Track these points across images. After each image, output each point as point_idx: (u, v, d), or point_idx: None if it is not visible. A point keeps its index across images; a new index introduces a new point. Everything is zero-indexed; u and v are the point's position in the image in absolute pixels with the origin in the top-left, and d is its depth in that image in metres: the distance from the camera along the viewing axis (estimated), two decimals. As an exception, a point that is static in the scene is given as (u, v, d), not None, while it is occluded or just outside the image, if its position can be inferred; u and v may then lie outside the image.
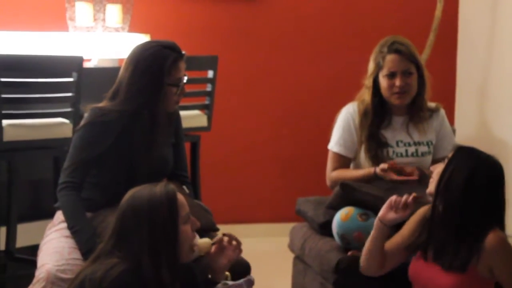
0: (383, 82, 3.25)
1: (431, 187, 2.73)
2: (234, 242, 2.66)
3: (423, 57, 5.01)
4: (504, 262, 2.63)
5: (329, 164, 3.39)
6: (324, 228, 3.32)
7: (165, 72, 2.88)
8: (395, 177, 3.14)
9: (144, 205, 2.40)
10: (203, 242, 2.61)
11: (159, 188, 2.43)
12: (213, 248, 2.63)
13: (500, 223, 2.71)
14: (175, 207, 2.41)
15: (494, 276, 2.65)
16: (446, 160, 2.74)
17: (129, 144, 2.91)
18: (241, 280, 2.58)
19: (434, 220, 2.70)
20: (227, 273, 2.65)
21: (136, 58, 2.92)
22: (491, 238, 2.62)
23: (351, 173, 3.31)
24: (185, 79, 2.97)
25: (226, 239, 2.65)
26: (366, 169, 3.25)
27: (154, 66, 2.88)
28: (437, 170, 2.74)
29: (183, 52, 2.96)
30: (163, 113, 2.94)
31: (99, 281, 2.30)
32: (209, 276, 2.62)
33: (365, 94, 3.31)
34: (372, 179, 3.22)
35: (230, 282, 2.58)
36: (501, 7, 5.39)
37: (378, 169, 3.18)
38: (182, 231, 2.42)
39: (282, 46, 5.57)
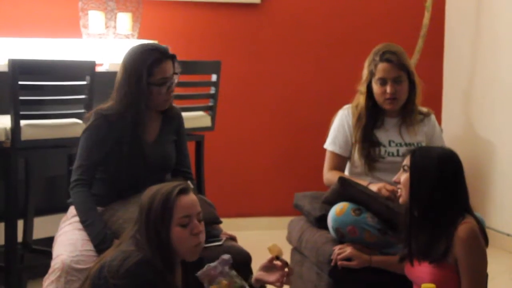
0: (376, 88, 3.26)
1: (404, 196, 2.71)
2: (286, 269, 2.54)
3: (412, 62, 4.99)
4: (467, 254, 2.58)
5: (326, 162, 3.40)
6: (320, 222, 3.30)
7: (145, 72, 2.84)
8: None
9: (145, 203, 2.39)
10: (277, 248, 2.55)
11: (166, 188, 2.39)
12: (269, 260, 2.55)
13: (467, 208, 2.69)
14: (169, 209, 2.35)
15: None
16: (405, 167, 2.71)
17: (131, 142, 2.90)
18: (215, 262, 2.45)
19: (412, 225, 2.68)
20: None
21: (124, 61, 2.91)
22: (461, 229, 2.59)
23: None
24: (175, 78, 2.92)
25: (280, 263, 2.54)
26: (362, 180, 3.23)
27: (136, 67, 2.85)
28: (402, 180, 2.71)
29: (172, 53, 2.92)
30: (148, 112, 2.92)
31: (116, 268, 2.30)
32: (252, 280, 2.56)
33: (360, 99, 3.31)
34: None
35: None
36: (484, 16, 5.40)
37: (375, 188, 3.15)
38: (175, 232, 2.36)
39: (282, 51, 5.57)
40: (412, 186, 2.67)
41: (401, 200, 2.74)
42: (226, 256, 2.47)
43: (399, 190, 2.75)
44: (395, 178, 2.78)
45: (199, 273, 2.43)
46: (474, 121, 5.49)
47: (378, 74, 3.23)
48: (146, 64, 2.84)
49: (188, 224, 2.37)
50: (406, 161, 2.73)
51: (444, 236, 2.62)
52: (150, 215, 2.36)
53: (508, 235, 5.02)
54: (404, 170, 2.73)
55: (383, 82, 3.23)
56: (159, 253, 2.34)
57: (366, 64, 3.30)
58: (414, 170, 2.68)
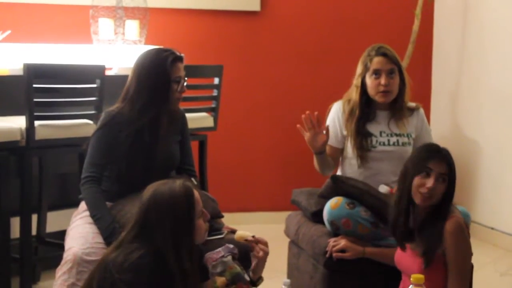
0: (369, 81, 3.24)
1: (434, 200, 2.62)
2: (260, 246, 2.59)
3: (402, 66, 5.00)
4: (454, 246, 2.56)
5: None
6: (316, 216, 3.30)
7: (168, 69, 2.86)
8: None
9: (166, 201, 2.36)
10: (243, 234, 2.58)
11: (178, 186, 2.39)
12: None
13: None
14: (193, 203, 2.38)
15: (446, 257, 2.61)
16: (441, 178, 2.61)
17: (140, 141, 2.89)
18: (220, 248, 2.51)
19: (423, 224, 2.65)
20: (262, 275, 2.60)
21: (140, 64, 2.91)
22: (449, 223, 2.58)
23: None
24: (185, 79, 2.95)
25: (251, 239, 2.59)
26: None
27: (158, 67, 2.87)
28: (439, 188, 2.62)
29: (181, 54, 2.94)
30: (167, 110, 2.92)
31: (120, 263, 2.29)
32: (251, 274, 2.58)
33: (353, 93, 3.29)
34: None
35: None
36: (470, 23, 5.39)
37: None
38: (197, 224, 2.40)
39: (280, 55, 5.57)
40: (450, 191, 2.62)
41: (430, 201, 2.63)
42: (230, 245, 2.52)
43: (426, 194, 2.62)
44: (429, 184, 2.61)
45: (205, 255, 2.50)
46: (461, 122, 5.49)
47: (373, 66, 3.21)
48: (167, 62, 2.86)
49: (201, 215, 2.43)
50: (439, 168, 2.61)
51: (437, 230, 2.59)
52: (177, 214, 2.34)
53: (492, 228, 5.02)
54: (438, 180, 2.61)
55: (377, 74, 3.20)
56: (185, 249, 2.33)
57: (361, 60, 3.29)
58: (453, 178, 2.63)
